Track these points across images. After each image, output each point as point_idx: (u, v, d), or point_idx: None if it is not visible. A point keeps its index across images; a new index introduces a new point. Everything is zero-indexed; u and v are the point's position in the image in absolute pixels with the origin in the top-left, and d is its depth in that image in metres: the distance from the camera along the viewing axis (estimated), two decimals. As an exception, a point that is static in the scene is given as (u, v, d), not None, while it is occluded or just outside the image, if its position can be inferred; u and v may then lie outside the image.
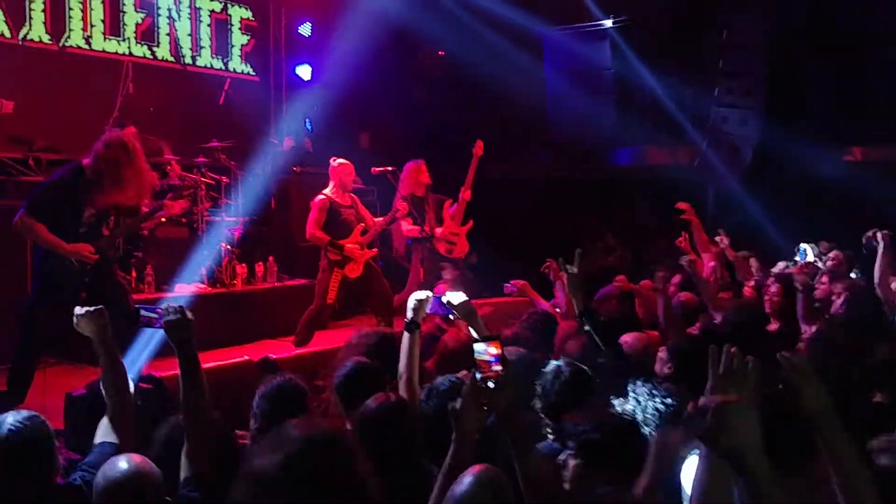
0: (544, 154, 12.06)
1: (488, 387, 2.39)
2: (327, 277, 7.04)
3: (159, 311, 2.63)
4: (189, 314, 2.65)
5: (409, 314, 3.61)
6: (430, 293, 3.72)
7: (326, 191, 7.20)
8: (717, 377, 1.99)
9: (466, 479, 2.15)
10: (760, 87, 10.35)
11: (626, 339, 4.23)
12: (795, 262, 6.96)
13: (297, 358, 6.14)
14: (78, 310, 2.97)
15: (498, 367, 2.46)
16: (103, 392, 2.88)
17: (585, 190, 11.04)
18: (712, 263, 6.91)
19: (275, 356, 5.30)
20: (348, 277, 7.06)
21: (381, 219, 7.35)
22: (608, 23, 10.81)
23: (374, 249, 7.36)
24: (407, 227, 7.67)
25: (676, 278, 6.31)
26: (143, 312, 2.67)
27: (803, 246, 7.13)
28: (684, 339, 4.38)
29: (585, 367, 3.27)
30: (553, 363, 3.30)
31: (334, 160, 7.32)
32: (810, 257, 7.03)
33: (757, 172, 10.33)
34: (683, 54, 10.81)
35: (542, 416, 3.13)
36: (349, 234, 7.08)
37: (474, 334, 3.56)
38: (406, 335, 3.57)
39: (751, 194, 10.02)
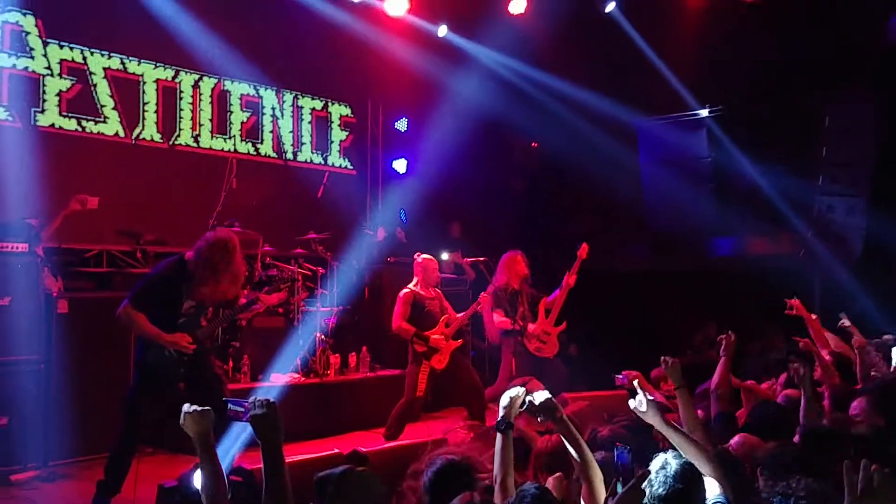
0: (642, 245, 11.84)
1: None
2: (416, 370, 7.01)
3: (246, 404, 2.59)
4: (276, 408, 2.59)
5: (501, 412, 3.43)
6: (523, 389, 3.53)
7: (411, 285, 7.26)
8: (855, 499, 1.80)
9: None
10: (867, 175, 9.96)
11: (733, 442, 3.98)
12: None
13: (387, 451, 6.02)
14: (186, 407, 2.91)
15: None
16: (200, 493, 2.82)
17: (685, 281, 10.71)
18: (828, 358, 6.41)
19: (365, 449, 5.20)
20: (436, 369, 7.01)
21: (462, 314, 7.28)
22: (704, 112, 10.69)
23: (460, 340, 7.29)
24: (499, 318, 7.57)
25: (782, 377, 5.88)
26: (230, 406, 2.63)
27: None
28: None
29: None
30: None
31: (418, 255, 7.39)
32: None
33: (867, 263, 9.84)
34: (783, 142, 10.53)
35: None
36: (434, 325, 7.08)
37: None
38: (499, 436, 3.40)
39: (861, 286, 9.52)
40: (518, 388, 3.53)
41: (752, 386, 5.94)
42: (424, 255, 7.36)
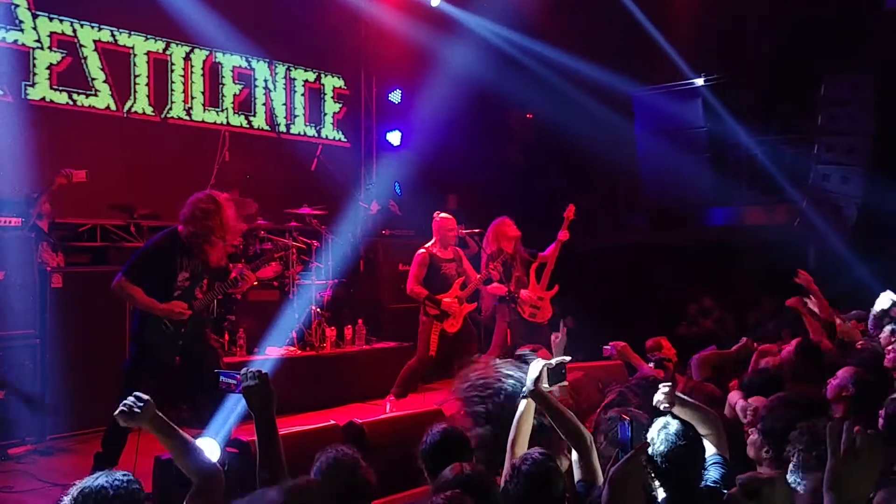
0: (637, 216, 11.84)
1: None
2: (428, 329, 7.00)
3: (238, 376, 2.58)
4: (268, 379, 2.58)
5: (529, 381, 3.41)
6: (564, 359, 3.51)
7: (427, 245, 7.20)
8: (838, 460, 1.79)
9: None
10: (864, 144, 9.92)
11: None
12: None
13: (383, 422, 6.04)
14: (122, 408, 2.71)
15: None
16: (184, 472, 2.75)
17: (680, 252, 10.73)
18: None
19: (361, 420, 5.21)
20: (447, 332, 7.00)
21: (479, 276, 7.24)
22: (699, 81, 10.63)
23: (474, 304, 7.28)
24: (493, 284, 7.55)
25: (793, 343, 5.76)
26: (222, 377, 2.62)
27: None
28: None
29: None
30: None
31: (437, 214, 7.32)
32: None
33: (863, 232, 9.84)
34: (779, 111, 10.50)
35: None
36: (449, 287, 7.04)
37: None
38: (522, 401, 3.42)
39: (857, 255, 9.53)
40: (560, 357, 3.58)
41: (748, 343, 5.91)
42: (442, 214, 7.29)
